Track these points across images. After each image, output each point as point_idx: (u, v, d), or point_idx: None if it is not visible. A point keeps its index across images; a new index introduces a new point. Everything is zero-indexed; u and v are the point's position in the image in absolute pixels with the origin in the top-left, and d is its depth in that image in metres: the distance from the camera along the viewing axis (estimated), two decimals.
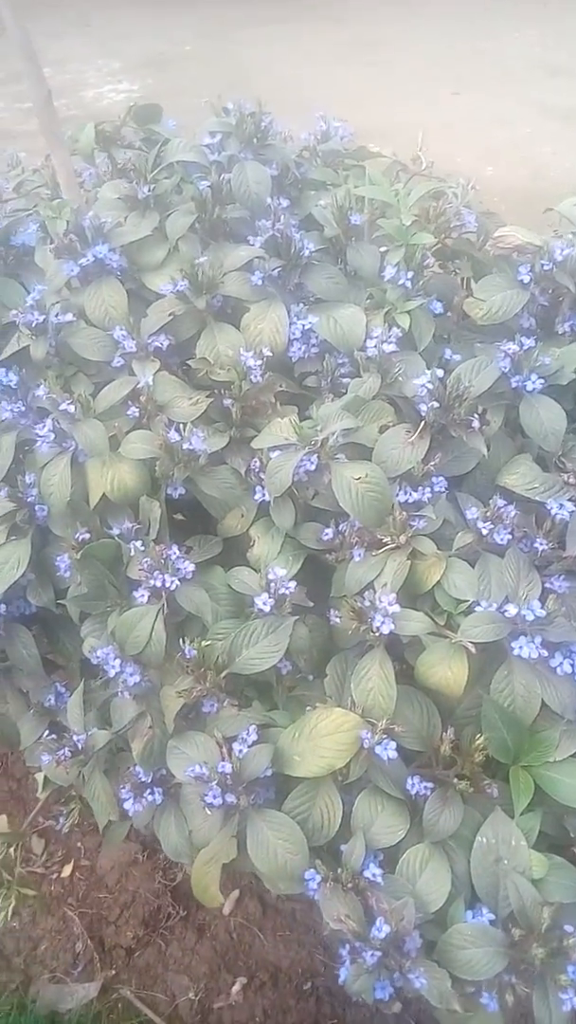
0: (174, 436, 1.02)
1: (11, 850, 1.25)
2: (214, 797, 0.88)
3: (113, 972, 1.68)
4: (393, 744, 0.90)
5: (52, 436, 1.04)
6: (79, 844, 1.84)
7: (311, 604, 1.03)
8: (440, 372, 1.04)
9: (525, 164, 4.10)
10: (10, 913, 1.19)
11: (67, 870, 1.83)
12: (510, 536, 0.99)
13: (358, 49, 5.55)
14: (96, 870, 1.81)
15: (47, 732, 1.12)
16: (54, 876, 1.81)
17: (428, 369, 1.07)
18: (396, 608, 0.92)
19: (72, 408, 1.03)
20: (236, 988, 1.64)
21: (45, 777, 1.27)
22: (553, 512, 1.01)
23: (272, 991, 1.63)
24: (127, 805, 1.01)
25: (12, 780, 1.97)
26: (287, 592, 0.96)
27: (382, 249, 1.18)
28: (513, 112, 4.55)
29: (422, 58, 5.33)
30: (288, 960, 1.68)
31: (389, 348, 1.05)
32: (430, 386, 1.02)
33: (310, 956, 1.66)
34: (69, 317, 1.13)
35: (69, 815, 1.44)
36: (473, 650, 0.92)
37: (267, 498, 1.04)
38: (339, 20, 6.08)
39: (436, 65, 5.21)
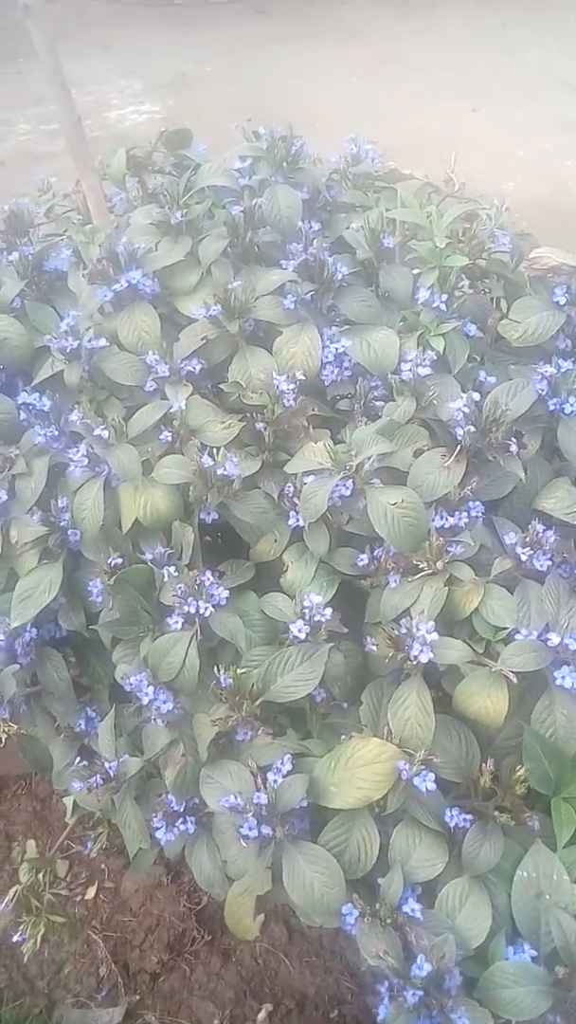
0: (207, 461, 1.01)
1: (39, 876, 1.24)
2: (250, 828, 0.86)
3: (138, 997, 1.67)
4: (432, 776, 0.89)
5: (86, 461, 1.04)
6: (103, 866, 1.83)
7: (345, 630, 1.02)
8: (476, 395, 1.03)
9: (546, 179, 4.09)
10: (39, 941, 1.17)
11: (91, 892, 1.82)
12: (550, 562, 0.98)
13: (377, 65, 5.58)
14: (120, 892, 1.80)
15: (78, 758, 1.11)
16: (78, 898, 1.80)
17: (463, 392, 1.07)
18: (434, 636, 0.91)
19: (106, 433, 1.03)
20: (262, 1015, 1.62)
21: (75, 802, 1.26)
22: None
23: (299, 1018, 1.61)
24: (159, 834, 1.00)
25: (36, 800, 1.97)
26: (323, 619, 0.95)
27: (415, 271, 1.17)
28: (533, 127, 4.55)
29: (441, 74, 5.35)
30: (315, 987, 1.65)
31: (424, 371, 1.04)
32: (466, 410, 1.01)
33: (337, 983, 1.64)
34: (102, 342, 1.13)
35: (97, 839, 1.44)
36: (514, 679, 0.90)
37: (301, 523, 1.03)
38: (357, 36, 6.12)
39: (455, 80, 5.22)
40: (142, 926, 1.76)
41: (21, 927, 1.18)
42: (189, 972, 1.68)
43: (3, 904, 1.28)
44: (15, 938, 1.19)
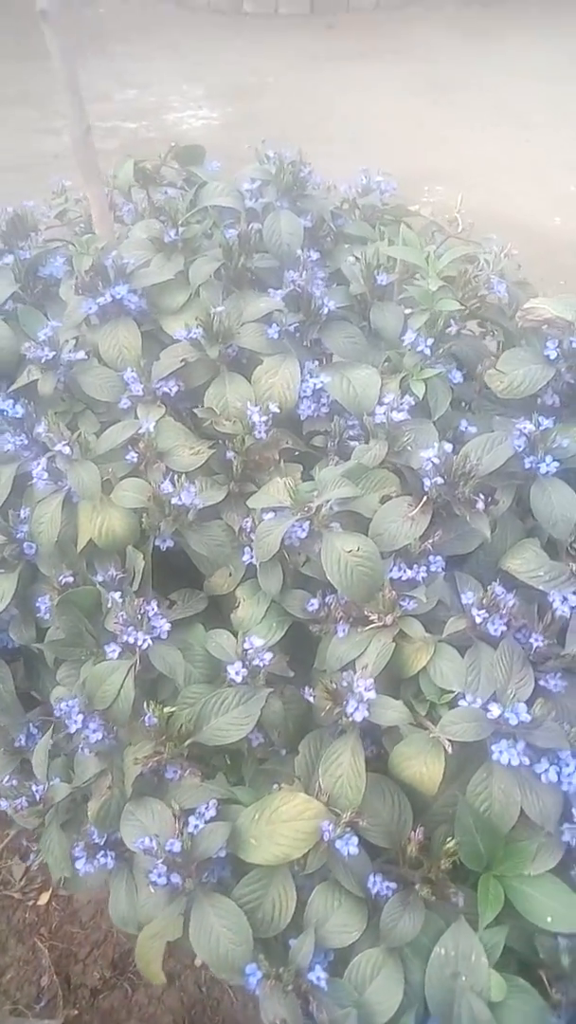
0: (167, 487, 0.99)
1: None
2: (159, 876, 0.83)
3: (76, 1012, 1.64)
4: (355, 840, 0.85)
5: (45, 475, 1.02)
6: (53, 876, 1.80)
7: (291, 674, 0.98)
8: (449, 446, 1.00)
9: None
10: None
11: (44, 898, 1.80)
12: (505, 627, 0.93)
13: (435, 87, 5.56)
14: (73, 902, 1.78)
15: (10, 776, 1.09)
16: (31, 903, 1.78)
17: (441, 440, 1.03)
18: (372, 694, 0.87)
19: (68, 449, 1.02)
20: None
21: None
22: (555, 606, 0.95)
23: None
24: (79, 864, 0.97)
25: None
26: (262, 663, 0.91)
27: (407, 311, 1.14)
28: None
29: (498, 100, 5.32)
30: (257, 1022, 1.61)
31: (399, 416, 1.01)
32: (436, 460, 0.98)
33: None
34: (81, 355, 1.12)
35: (39, 853, 1.42)
36: (449, 749, 0.86)
37: (255, 561, 1.00)
38: (421, 57, 6.12)
39: (511, 108, 5.18)
40: (89, 939, 1.73)
41: None
42: (131, 992, 1.65)
43: None
44: None
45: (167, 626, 0.94)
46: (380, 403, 1.04)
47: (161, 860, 0.84)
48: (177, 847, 0.84)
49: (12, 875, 1.80)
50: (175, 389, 1.12)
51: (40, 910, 1.77)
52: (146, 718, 0.88)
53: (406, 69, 5.92)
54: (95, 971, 1.67)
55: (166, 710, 0.89)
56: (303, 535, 0.96)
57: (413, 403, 1.04)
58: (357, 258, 1.17)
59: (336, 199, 1.38)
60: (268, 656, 0.91)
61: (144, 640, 0.92)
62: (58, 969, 1.67)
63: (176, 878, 0.83)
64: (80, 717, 0.93)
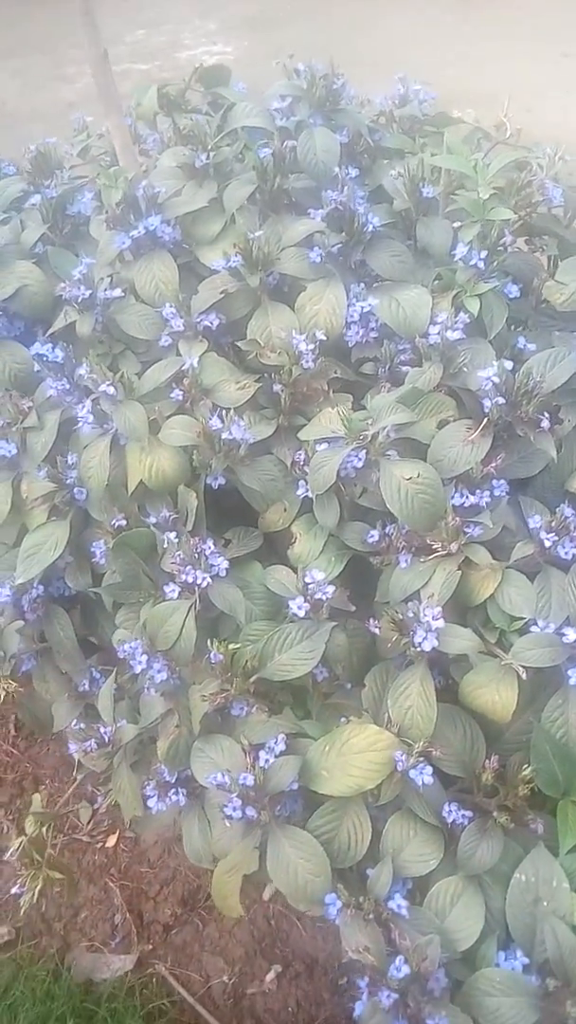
0: (215, 423, 0.96)
1: (44, 830, 1.24)
2: (234, 809, 0.83)
3: (150, 947, 1.69)
4: (429, 770, 0.84)
5: (91, 418, 1.00)
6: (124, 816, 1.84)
7: (353, 608, 0.96)
8: (509, 364, 0.95)
9: None
10: (36, 895, 1.18)
11: (112, 840, 1.84)
12: None
13: (473, 5, 5.26)
14: (140, 843, 1.82)
15: (80, 719, 1.10)
16: (98, 845, 1.83)
17: (497, 360, 0.98)
18: (440, 623, 0.84)
19: (112, 390, 0.99)
20: (270, 976, 1.62)
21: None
22: None
23: (307, 982, 1.61)
24: (151, 803, 0.98)
25: (64, 745, 2.00)
26: (325, 597, 0.89)
27: (456, 225, 1.08)
28: None
29: (533, 16, 5.01)
30: (325, 953, 1.64)
31: (454, 335, 0.96)
32: (496, 379, 0.93)
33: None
34: (118, 292, 1.08)
35: (107, 795, 1.44)
36: (523, 675, 0.84)
37: (310, 494, 0.97)
38: None
39: (550, 25, 4.88)
40: (158, 878, 1.77)
41: (20, 879, 1.19)
42: (201, 927, 1.69)
43: (11, 853, 1.30)
44: (13, 890, 1.20)
45: (225, 564, 0.92)
46: (433, 323, 0.99)
47: (235, 794, 0.83)
48: (250, 780, 0.83)
49: (80, 819, 1.85)
50: (216, 323, 1.08)
51: (109, 852, 1.81)
52: (211, 655, 0.87)
53: None
54: (166, 908, 1.71)
55: (231, 647, 0.87)
56: (359, 464, 0.92)
57: (468, 321, 0.98)
58: (400, 173, 1.10)
59: (371, 113, 1.30)
60: (331, 589, 0.89)
61: (203, 579, 0.90)
62: (130, 907, 1.72)
63: (251, 811, 0.83)
64: (144, 658, 0.92)
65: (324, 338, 1.02)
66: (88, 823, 1.87)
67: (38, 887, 1.18)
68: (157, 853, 1.78)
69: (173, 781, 0.98)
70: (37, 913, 1.72)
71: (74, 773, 1.36)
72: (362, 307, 1.03)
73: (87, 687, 1.15)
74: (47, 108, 4.49)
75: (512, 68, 4.30)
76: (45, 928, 1.70)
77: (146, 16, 5.75)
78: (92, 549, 1.04)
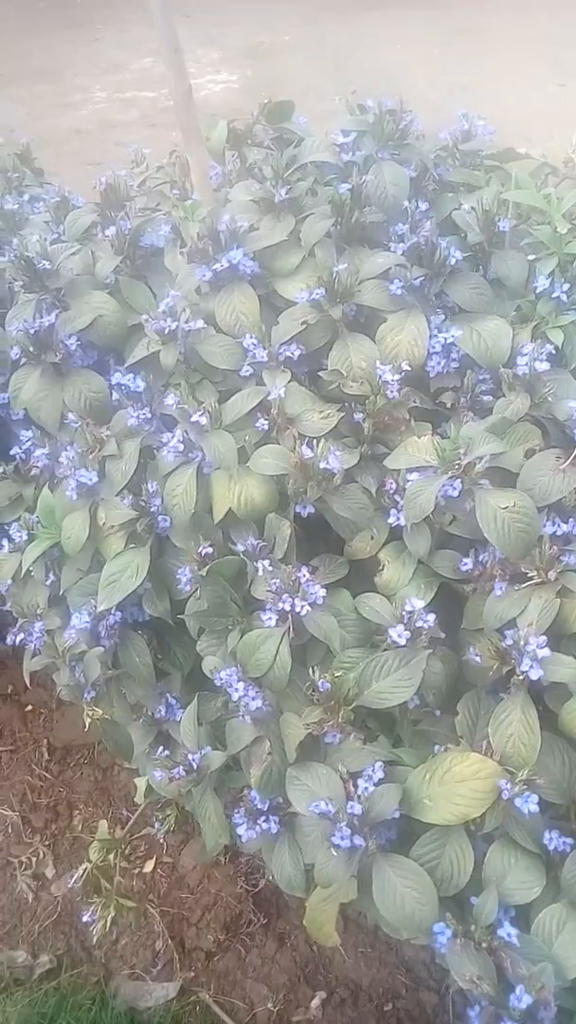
0: (307, 452, 0.97)
1: (111, 856, 1.24)
2: (342, 838, 0.83)
3: (192, 974, 1.67)
4: (535, 797, 0.84)
5: (181, 447, 1.01)
6: (161, 840, 1.83)
7: (443, 635, 0.97)
8: None
9: None
10: (108, 923, 1.18)
11: (149, 866, 1.82)
12: None
13: (461, 36, 5.38)
14: (178, 868, 1.81)
15: (159, 746, 1.10)
16: (136, 871, 1.81)
17: None
18: (546, 652, 0.86)
19: (203, 419, 1.00)
20: (315, 1003, 1.61)
21: (147, 785, 1.26)
22: None
23: (352, 1009, 1.60)
24: (240, 830, 0.98)
25: (99, 770, 1.98)
26: (425, 625, 0.90)
27: (530, 257, 1.11)
28: None
29: (524, 45, 5.13)
30: (369, 979, 1.64)
31: (542, 366, 0.98)
32: None
33: (391, 976, 1.62)
34: (200, 324, 1.10)
35: (166, 821, 1.43)
36: None
37: (402, 522, 0.98)
38: (444, 7, 5.91)
39: (539, 53, 5.00)
40: (199, 904, 1.76)
41: (92, 908, 1.18)
42: (244, 953, 1.68)
43: (71, 878, 1.29)
44: (84, 918, 1.19)
45: (322, 592, 0.93)
46: (520, 354, 1.01)
47: (344, 823, 0.83)
48: (358, 809, 0.84)
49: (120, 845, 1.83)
50: (297, 353, 1.09)
51: (146, 877, 1.80)
52: (319, 684, 0.87)
53: (431, 18, 5.72)
54: (208, 934, 1.70)
55: (335, 675, 0.88)
56: (455, 494, 0.94)
57: (552, 352, 1.01)
58: (473, 207, 1.13)
59: (434, 148, 1.33)
60: (431, 618, 0.90)
61: (302, 606, 0.91)
62: (171, 934, 1.70)
63: (359, 840, 0.83)
64: (241, 685, 0.92)
65: (409, 368, 1.04)
66: (125, 848, 1.85)
67: (109, 916, 1.18)
68: (197, 879, 1.77)
69: (264, 809, 0.98)
70: (77, 940, 1.70)
71: (137, 798, 1.35)
72: (444, 338, 1.05)
73: (162, 713, 1.15)
74: (53, 135, 4.54)
75: (505, 97, 4.40)
76: (86, 956, 1.68)
77: (150, 46, 5.84)
78: (177, 576, 1.05)
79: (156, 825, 1.39)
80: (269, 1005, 1.60)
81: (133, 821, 1.52)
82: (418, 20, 5.74)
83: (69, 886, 1.29)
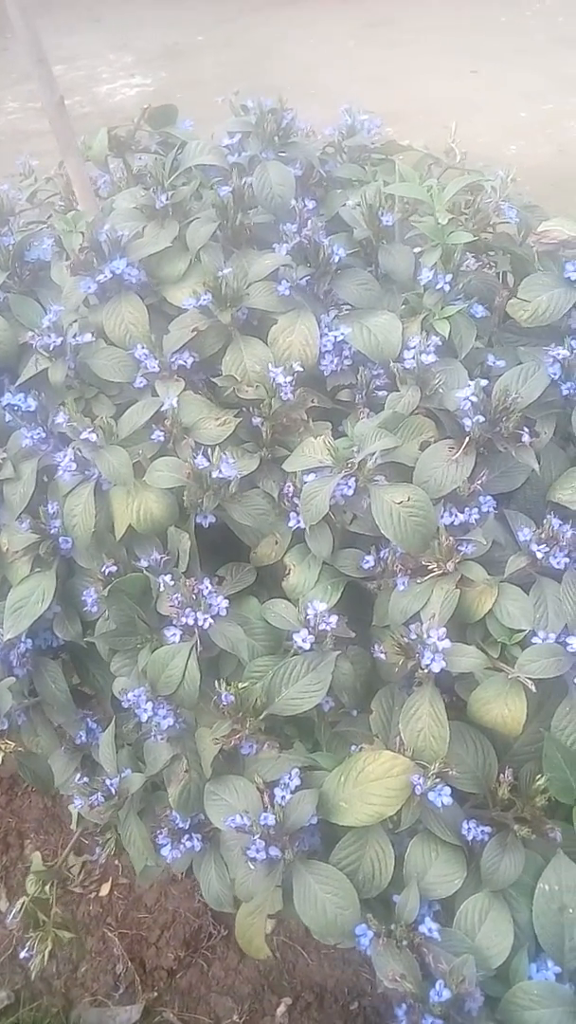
0: (202, 462, 0.96)
1: (46, 888, 1.20)
2: (257, 851, 0.82)
3: (155, 994, 1.65)
4: (448, 790, 0.84)
5: (74, 465, 0.99)
6: (116, 862, 1.80)
7: (352, 635, 0.97)
8: (484, 382, 0.97)
9: (550, 141, 3.96)
10: (46, 957, 1.15)
11: (105, 889, 1.79)
12: (567, 559, 0.92)
13: (374, 29, 5.42)
14: (135, 889, 1.78)
15: (79, 772, 1.07)
16: (92, 895, 1.78)
17: (471, 379, 1.00)
18: (447, 643, 0.86)
19: (94, 436, 0.98)
20: (281, 1009, 1.60)
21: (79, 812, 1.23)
22: None
23: (318, 1012, 1.59)
24: (164, 851, 0.96)
25: (47, 798, 1.94)
26: (328, 627, 0.90)
27: (416, 250, 1.11)
28: (535, 87, 4.40)
29: (438, 35, 5.19)
30: (333, 980, 1.63)
31: (428, 359, 0.98)
32: (474, 398, 0.95)
33: (356, 974, 1.62)
34: (88, 337, 1.07)
35: (105, 845, 1.41)
36: (532, 688, 0.85)
37: (302, 525, 0.98)
38: (356, 1, 5.94)
39: (454, 42, 5.06)
40: (157, 923, 1.73)
41: (28, 943, 1.15)
42: (206, 968, 1.66)
43: (11, 914, 1.25)
44: (22, 954, 1.16)
45: (225, 603, 0.91)
46: (407, 348, 1.00)
47: (258, 835, 0.82)
48: (272, 820, 0.83)
49: (70, 872, 1.80)
50: (190, 361, 1.08)
51: (103, 901, 1.77)
52: (222, 696, 0.86)
53: (342, 12, 5.75)
54: (168, 952, 1.68)
55: (240, 686, 0.87)
56: (349, 492, 0.93)
57: (439, 343, 1.01)
58: (358, 203, 1.12)
59: (319, 143, 1.33)
60: (334, 619, 0.90)
61: (204, 620, 0.89)
62: (131, 955, 1.68)
63: (275, 851, 0.82)
64: (150, 705, 0.91)
65: (301, 369, 1.03)
66: (79, 873, 1.82)
67: (47, 949, 1.15)
68: (154, 897, 1.74)
69: (186, 827, 0.96)
70: (36, 973, 1.66)
71: (72, 825, 1.32)
72: (335, 336, 1.05)
73: (83, 738, 1.13)
74: None
75: (422, 87, 4.44)
76: (45, 987, 1.65)
77: (62, 53, 5.74)
78: (83, 597, 1.02)
79: (96, 851, 1.36)
80: (235, 1017, 1.59)
81: (68, 849, 1.49)
82: (332, 15, 5.76)
83: (7, 921, 1.26)
